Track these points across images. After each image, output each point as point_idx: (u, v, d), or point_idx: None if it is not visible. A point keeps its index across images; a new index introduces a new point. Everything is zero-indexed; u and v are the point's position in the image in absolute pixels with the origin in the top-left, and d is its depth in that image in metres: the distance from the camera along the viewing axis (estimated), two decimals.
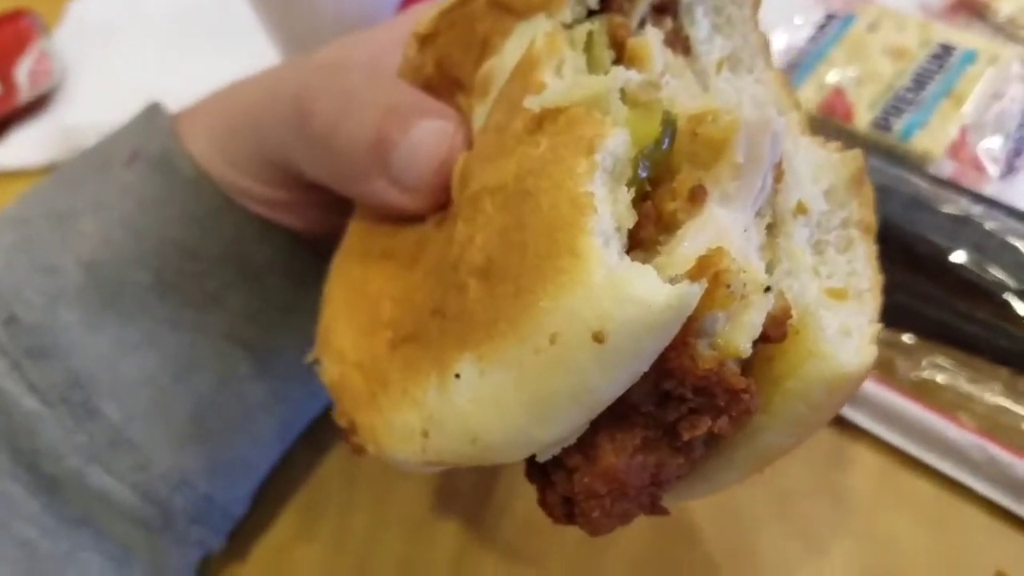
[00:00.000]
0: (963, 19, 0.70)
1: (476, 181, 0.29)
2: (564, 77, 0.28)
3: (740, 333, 0.24)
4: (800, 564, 0.47)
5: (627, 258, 0.23)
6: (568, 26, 0.30)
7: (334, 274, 0.38)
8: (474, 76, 0.33)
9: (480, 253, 0.26)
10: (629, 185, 0.25)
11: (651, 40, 0.30)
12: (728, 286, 0.23)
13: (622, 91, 0.27)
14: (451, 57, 0.35)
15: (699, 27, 0.33)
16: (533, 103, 0.27)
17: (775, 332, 0.26)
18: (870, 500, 0.49)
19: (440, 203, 0.33)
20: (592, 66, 0.29)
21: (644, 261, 0.24)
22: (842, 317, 0.28)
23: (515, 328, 0.24)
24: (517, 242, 0.25)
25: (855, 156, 0.31)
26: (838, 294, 0.29)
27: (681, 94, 0.29)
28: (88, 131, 0.78)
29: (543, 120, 0.27)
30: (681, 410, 0.25)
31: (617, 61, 0.30)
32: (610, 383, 0.23)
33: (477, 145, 0.32)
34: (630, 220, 0.25)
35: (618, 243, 0.24)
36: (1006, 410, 0.49)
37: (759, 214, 0.27)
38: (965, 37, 0.65)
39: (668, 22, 0.32)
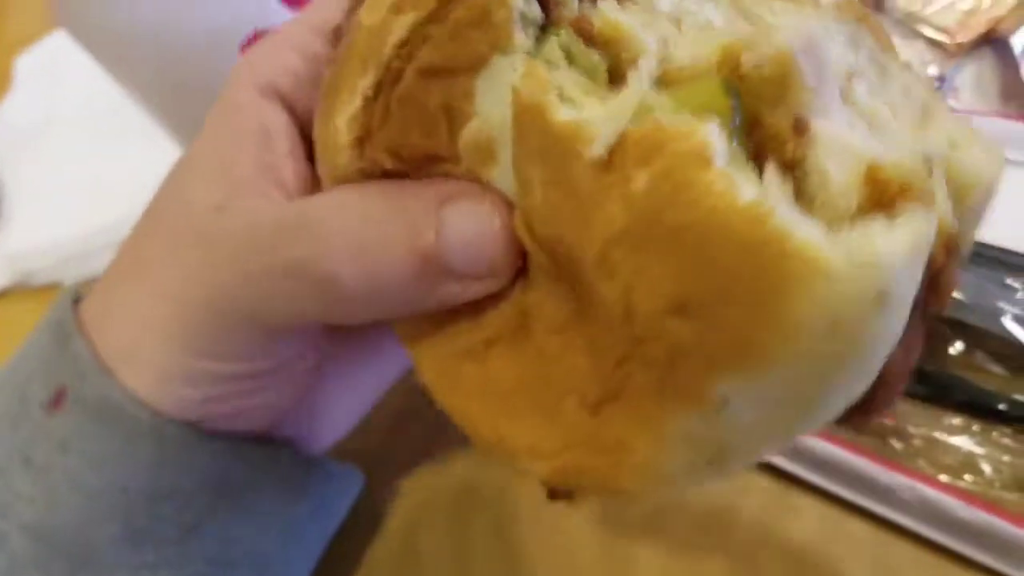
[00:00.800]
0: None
1: (588, 240, 0.27)
2: (576, 101, 0.27)
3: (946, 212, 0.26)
4: None
5: (838, 231, 0.23)
6: (531, 53, 0.29)
7: (438, 390, 0.35)
8: (455, 146, 0.31)
9: (658, 300, 0.25)
10: (748, 161, 0.25)
11: (611, 13, 0.29)
12: (909, 191, 0.24)
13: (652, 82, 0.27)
14: (412, 141, 0.32)
15: None
16: (594, 151, 0.25)
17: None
18: (814, 545, 0.52)
19: (519, 266, 0.32)
20: (590, 74, 0.28)
21: (824, 205, 0.24)
22: (945, 135, 0.29)
23: (783, 338, 0.23)
24: (712, 273, 0.24)
25: (849, 3, 0.31)
26: (922, 122, 0.30)
27: (677, 42, 0.28)
28: (33, 257, 0.80)
29: (611, 158, 0.25)
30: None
31: (601, 53, 0.29)
32: (900, 321, 0.24)
33: (538, 203, 0.30)
34: (787, 189, 0.24)
35: (806, 218, 0.23)
36: (934, 440, 0.51)
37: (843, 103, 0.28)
38: None
39: None
